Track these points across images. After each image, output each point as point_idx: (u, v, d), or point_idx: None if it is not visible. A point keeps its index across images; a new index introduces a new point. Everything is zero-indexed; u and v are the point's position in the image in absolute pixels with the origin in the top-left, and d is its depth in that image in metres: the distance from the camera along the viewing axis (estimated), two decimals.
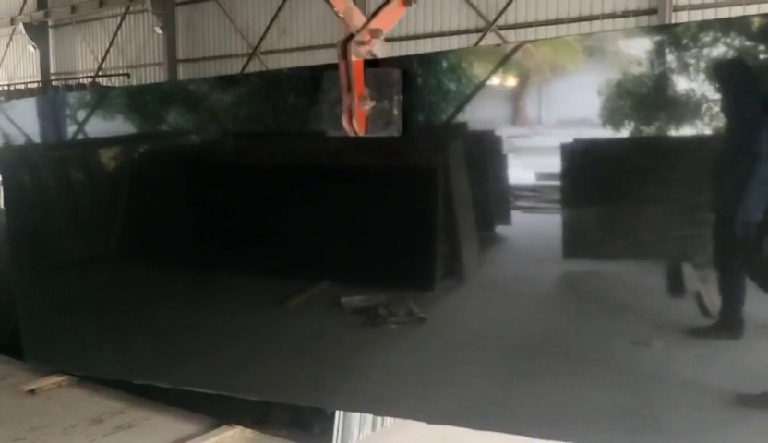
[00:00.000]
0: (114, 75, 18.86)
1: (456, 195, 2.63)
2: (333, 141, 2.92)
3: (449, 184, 2.63)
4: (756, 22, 1.99)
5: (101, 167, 3.33)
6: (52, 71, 21.93)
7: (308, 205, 2.93)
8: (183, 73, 18.72)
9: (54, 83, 20.61)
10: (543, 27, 12.26)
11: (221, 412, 3.79)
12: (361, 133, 2.34)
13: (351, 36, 2.29)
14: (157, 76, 19.13)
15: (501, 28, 12.90)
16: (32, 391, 4.38)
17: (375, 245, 2.84)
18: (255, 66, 17.13)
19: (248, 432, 3.77)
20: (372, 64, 2.36)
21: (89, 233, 3.42)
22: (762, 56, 1.96)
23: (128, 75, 18.39)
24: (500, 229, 2.52)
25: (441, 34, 13.82)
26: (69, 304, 3.56)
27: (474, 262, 2.71)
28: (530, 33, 12.62)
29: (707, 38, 2.00)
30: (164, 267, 3.31)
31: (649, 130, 2.17)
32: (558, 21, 12.06)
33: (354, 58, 2.29)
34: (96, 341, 3.54)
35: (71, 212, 3.40)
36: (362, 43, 2.28)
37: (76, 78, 20.07)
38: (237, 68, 17.42)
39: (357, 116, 2.30)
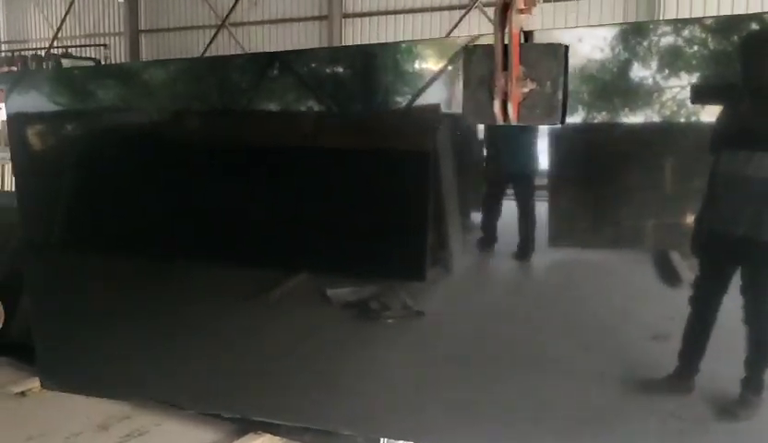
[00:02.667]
0: (90, 45, 17.89)
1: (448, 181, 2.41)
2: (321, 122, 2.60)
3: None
4: None
5: (129, 150, 2.83)
6: (3, 40, 20.80)
7: (294, 190, 2.59)
8: (145, 44, 17.93)
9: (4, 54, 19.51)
10: None
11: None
12: (514, 121, 1.92)
13: (507, 2, 1.85)
14: (118, 47, 18.28)
15: (486, 5, 12.56)
16: (23, 393, 3.90)
17: (364, 233, 2.53)
18: (223, 39, 16.47)
19: (277, 439, 3.38)
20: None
21: (119, 226, 2.91)
22: None
23: (106, 45, 17.48)
24: None
25: (422, 10, 13.44)
26: (98, 311, 3.01)
27: (461, 250, 2.48)
28: None
29: None
30: (192, 263, 2.86)
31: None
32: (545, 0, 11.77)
33: (514, 29, 1.86)
34: (133, 358, 3.02)
35: (96, 201, 2.89)
36: (521, 12, 1.86)
37: (35, 49, 19.01)
38: (204, 41, 16.75)
39: (513, 101, 1.88)
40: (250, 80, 2.76)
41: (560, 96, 1.91)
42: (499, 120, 1.91)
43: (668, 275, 2.25)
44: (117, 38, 18.28)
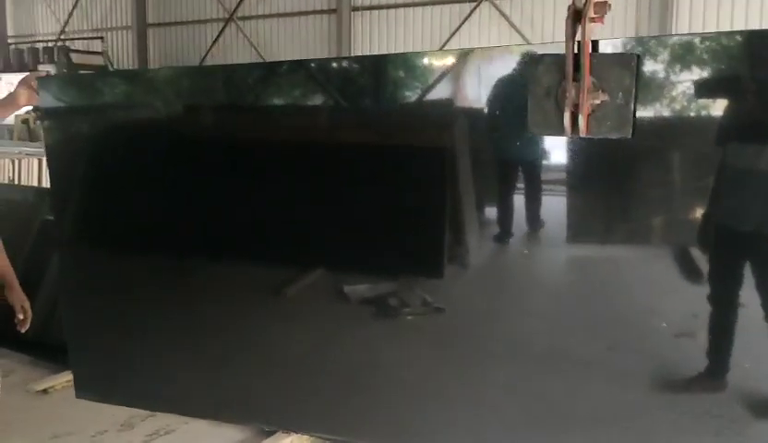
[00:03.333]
0: (86, 38, 17.83)
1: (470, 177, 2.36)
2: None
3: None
4: None
5: (163, 150, 2.77)
6: (10, 34, 20.77)
7: (309, 185, 2.54)
8: (153, 38, 17.90)
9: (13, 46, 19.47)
10: None
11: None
12: (584, 133, 1.87)
13: (578, 11, 1.79)
14: (125, 41, 18.26)
15: None
16: (45, 391, 3.88)
17: (380, 229, 2.48)
18: (231, 33, 16.43)
19: (305, 439, 3.36)
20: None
21: (162, 227, 2.84)
22: None
23: (102, 38, 17.42)
24: None
25: (432, 3, 13.38)
26: (138, 317, 2.93)
27: (477, 247, 2.41)
28: (526, 5, 12.24)
29: None
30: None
31: None
32: None
33: (587, 39, 1.80)
34: (177, 367, 2.94)
35: (134, 204, 2.83)
36: (592, 20, 1.80)
37: (38, 42, 18.98)
38: (212, 34, 16.72)
39: (584, 113, 1.82)
40: (278, 82, 2.74)
41: (632, 108, 1.86)
42: (568, 132, 1.86)
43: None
44: (125, 32, 18.24)
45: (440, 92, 2.43)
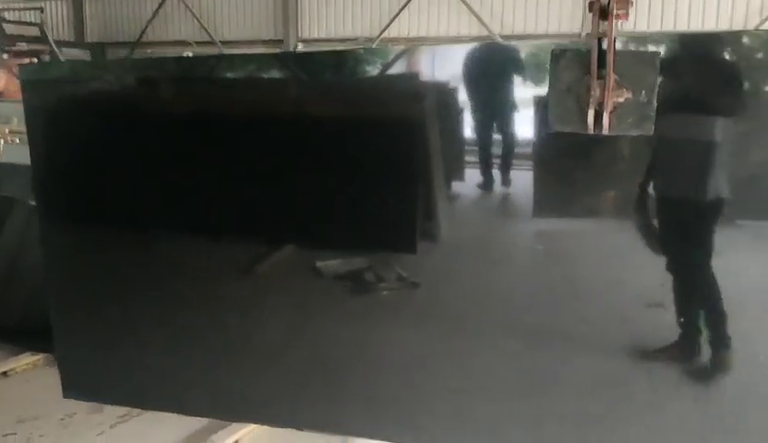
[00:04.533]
0: (21, 9, 16.97)
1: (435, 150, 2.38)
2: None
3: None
4: None
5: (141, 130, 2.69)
6: None
7: (278, 157, 2.52)
8: (89, 9, 17.27)
9: None
10: None
11: None
12: (607, 131, 1.86)
13: (603, 6, 1.77)
14: (61, 12, 17.53)
15: None
16: (5, 374, 3.73)
17: (352, 204, 2.48)
18: (172, 4, 15.96)
19: None
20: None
21: (160, 211, 2.76)
22: None
23: (42, 9, 16.61)
24: None
25: None
26: (129, 311, 2.81)
27: (448, 222, 2.45)
28: None
29: None
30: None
31: None
32: None
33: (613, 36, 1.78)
34: (170, 364, 2.83)
35: (134, 180, 2.74)
36: (617, 17, 1.78)
37: None
38: (152, 6, 16.21)
39: (607, 110, 1.81)
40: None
41: (654, 105, 1.86)
42: (591, 130, 1.86)
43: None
44: (60, 2, 17.50)
45: (414, 70, 2.43)
